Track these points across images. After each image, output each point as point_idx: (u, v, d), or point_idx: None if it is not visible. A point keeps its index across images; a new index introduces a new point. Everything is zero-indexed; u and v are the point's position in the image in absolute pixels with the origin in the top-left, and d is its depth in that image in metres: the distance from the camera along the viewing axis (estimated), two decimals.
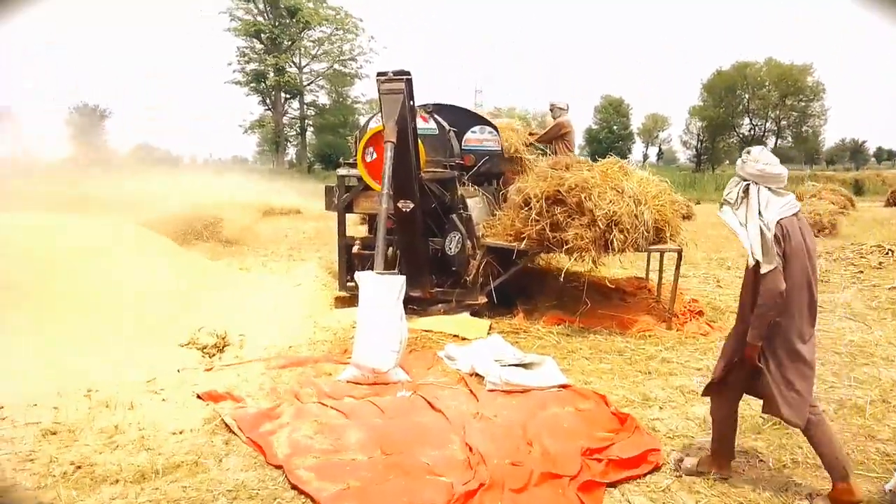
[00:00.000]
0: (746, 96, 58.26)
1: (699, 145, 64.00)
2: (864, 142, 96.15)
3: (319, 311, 6.83)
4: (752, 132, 59.41)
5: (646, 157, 73.82)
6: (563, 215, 6.17)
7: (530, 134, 8.37)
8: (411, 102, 5.79)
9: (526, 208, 6.40)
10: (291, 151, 52.42)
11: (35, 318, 4.96)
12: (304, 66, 46.79)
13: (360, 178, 6.92)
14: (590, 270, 7.07)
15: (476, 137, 7.56)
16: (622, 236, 5.98)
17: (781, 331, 2.97)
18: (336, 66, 47.62)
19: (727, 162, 63.35)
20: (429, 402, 4.39)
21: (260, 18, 42.38)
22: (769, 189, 2.93)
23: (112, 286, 5.69)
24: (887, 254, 10.54)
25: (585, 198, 6.05)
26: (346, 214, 7.20)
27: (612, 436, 3.84)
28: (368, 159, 6.59)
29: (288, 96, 45.93)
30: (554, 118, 8.27)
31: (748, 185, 2.97)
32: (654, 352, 5.70)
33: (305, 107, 48.24)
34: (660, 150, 76.63)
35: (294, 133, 48.72)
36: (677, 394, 4.71)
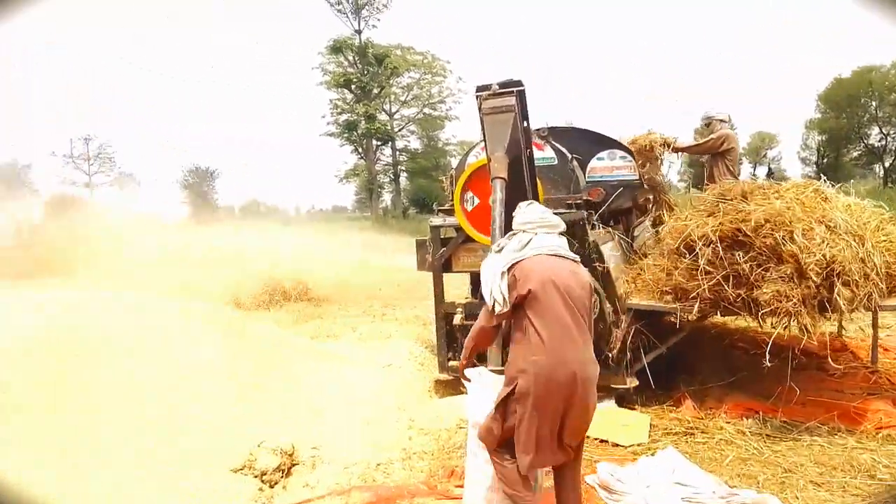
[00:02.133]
0: (874, 104, 52.35)
1: (820, 161, 58.16)
2: None
3: (416, 403, 5.31)
4: (884, 142, 53.17)
5: (754, 177, 68.16)
6: (749, 264, 4.32)
7: (671, 145, 6.36)
8: (525, 124, 4.24)
9: (690, 255, 4.61)
10: (387, 198, 52.65)
11: (41, 428, 3.74)
12: (395, 113, 47.03)
13: (458, 228, 5.44)
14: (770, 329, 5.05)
15: (604, 165, 5.88)
16: (849, 291, 4.04)
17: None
18: (426, 109, 47.54)
19: (858, 177, 57.06)
20: None
21: (350, 70, 43.09)
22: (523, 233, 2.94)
23: (145, 386, 4.43)
24: None
25: (784, 238, 4.19)
26: (444, 274, 5.69)
27: None
28: (469, 207, 5.09)
29: (380, 143, 46.16)
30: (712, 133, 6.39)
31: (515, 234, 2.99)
32: None
33: (398, 153, 48.34)
34: (769, 169, 70.65)
35: (388, 179, 48.81)
36: None
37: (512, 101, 4.10)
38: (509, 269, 2.81)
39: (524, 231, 2.94)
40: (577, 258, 2.98)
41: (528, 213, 3.03)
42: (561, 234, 3.01)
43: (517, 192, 4.17)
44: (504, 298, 2.76)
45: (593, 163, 5.89)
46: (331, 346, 7.63)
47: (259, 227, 22.73)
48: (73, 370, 4.47)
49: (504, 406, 2.78)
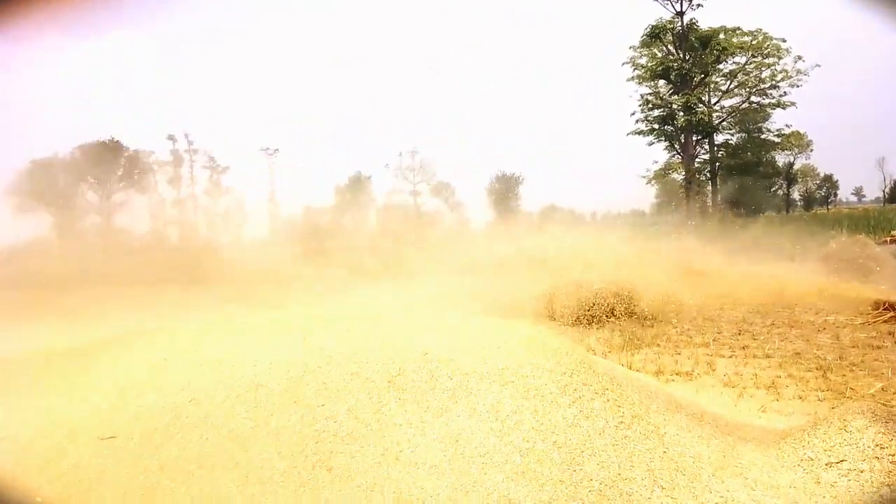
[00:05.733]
0: None
1: None
2: None
3: None
4: None
5: None
6: None
7: None
8: None
9: None
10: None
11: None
12: (714, 104, 41.89)
13: None
14: None
15: None
16: None
17: None
18: (753, 97, 41.29)
19: None
20: None
21: (670, 57, 39.69)
22: None
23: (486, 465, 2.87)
24: None
25: None
26: None
27: None
28: None
29: (699, 137, 41.62)
30: None
31: None
32: None
33: (716, 148, 43.01)
34: None
35: (703, 179, 43.74)
36: None
37: None
38: None
39: None
40: None
41: None
42: None
43: None
44: None
45: None
46: (696, 399, 5.43)
47: (562, 233, 21.45)
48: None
49: None
